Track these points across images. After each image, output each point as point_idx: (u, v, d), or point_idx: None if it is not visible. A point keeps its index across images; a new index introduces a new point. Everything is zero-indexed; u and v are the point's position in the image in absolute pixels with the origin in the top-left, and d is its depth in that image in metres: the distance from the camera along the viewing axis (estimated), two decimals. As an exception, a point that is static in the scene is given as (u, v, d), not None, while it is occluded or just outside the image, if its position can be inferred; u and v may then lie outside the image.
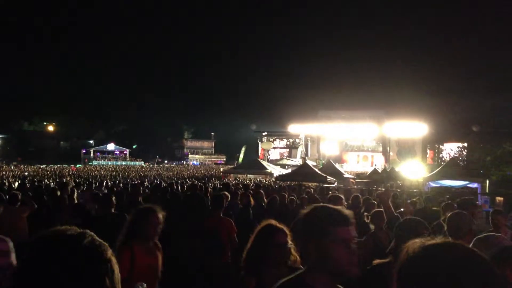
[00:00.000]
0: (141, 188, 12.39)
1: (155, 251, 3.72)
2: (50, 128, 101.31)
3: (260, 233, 2.97)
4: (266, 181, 29.21)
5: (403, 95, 74.24)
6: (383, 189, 21.15)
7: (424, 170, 28.11)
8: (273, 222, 2.97)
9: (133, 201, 7.69)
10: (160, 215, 3.66)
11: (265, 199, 9.18)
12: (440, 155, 49.36)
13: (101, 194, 8.81)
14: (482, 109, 54.07)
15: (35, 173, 34.00)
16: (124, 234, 3.62)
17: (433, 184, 20.01)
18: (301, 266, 2.67)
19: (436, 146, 50.19)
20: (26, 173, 33.32)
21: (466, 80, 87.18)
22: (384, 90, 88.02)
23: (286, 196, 9.81)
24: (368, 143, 52.81)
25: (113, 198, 5.71)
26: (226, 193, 8.25)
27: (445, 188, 19.06)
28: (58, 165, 53.91)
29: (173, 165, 74.28)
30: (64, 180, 20.23)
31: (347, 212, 1.95)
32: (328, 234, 1.85)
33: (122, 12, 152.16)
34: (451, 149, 48.54)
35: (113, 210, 5.61)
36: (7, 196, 7.37)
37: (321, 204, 2.14)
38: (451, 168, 21.32)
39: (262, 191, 10.29)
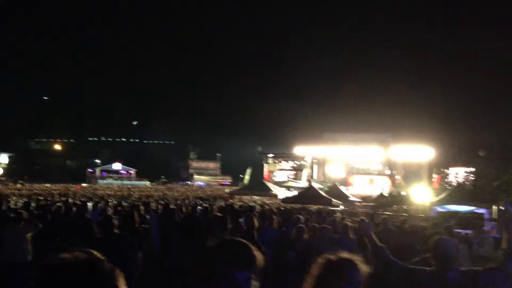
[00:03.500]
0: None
1: None
2: (57, 147, 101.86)
3: None
4: (271, 203, 29.09)
5: (409, 119, 74.22)
6: (389, 213, 20.95)
7: (431, 195, 27.87)
8: None
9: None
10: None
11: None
12: (446, 180, 48.97)
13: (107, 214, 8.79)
14: (488, 133, 53.86)
15: (40, 192, 34.02)
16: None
17: (439, 209, 19.82)
18: None
19: (442, 170, 49.85)
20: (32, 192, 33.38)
21: (473, 104, 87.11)
22: (390, 113, 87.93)
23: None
24: (374, 166, 52.50)
25: (113, 218, 5.64)
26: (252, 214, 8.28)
27: (451, 213, 18.87)
28: (63, 184, 53.98)
29: (178, 185, 74.22)
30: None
31: None
32: None
33: (126, 29, 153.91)
34: (457, 173, 48.18)
35: (115, 231, 5.55)
36: (12, 215, 7.38)
37: None
38: (458, 193, 21.14)
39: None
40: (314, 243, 7.22)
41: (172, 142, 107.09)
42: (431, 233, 10.75)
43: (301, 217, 10.41)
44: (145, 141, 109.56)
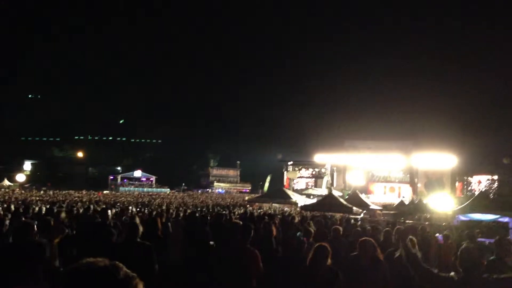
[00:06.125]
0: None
1: None
2: (80, 154, 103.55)
3: None
4: (291, 210, 29.01)
5: (431, 126, 73.36)
6: (410, 221, 20.69)
7: (453, 203, 27.45)
8: None
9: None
10: None
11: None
12: (469, 188, 48.16)
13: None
14: (512, 141, 52.88)
15: (63, 198, 34.61)
16: None
17: (462, 218, 19.52)
18: None
19: (465, 178, 49.04)
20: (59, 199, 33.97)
21: (497, 111, 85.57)
22: (412, 120, 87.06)
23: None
24: (395, 174, 51.96)
25: (140, 226, 5.70)
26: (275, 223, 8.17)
27: (475, 221, 18.56)
28: (86, 191, 54.79)
29: (198, 193, 74.70)
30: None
31: None
32: None
33: (145, 42, 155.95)
34: (480, 181, 47.33)
35: (138, 239, 5.60)
36: (38, 222, 7.52)
37: None
38: (481, 201, 20.78)
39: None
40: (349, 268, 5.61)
41: (193, 150, 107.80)
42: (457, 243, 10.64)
43: (340, 228, 9.02)
44: (165, 149, 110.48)
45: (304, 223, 11.66)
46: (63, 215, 9.38)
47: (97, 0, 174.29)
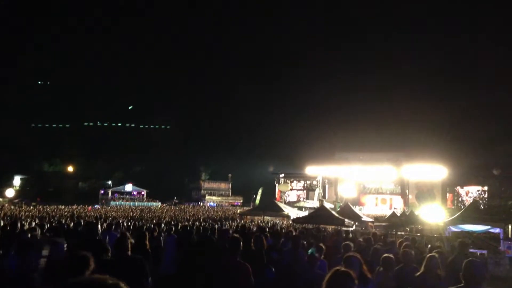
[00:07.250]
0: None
1: None
2: (70, 169, 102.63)
3: None
4: (283, 223, 28.94)
5: (422, 138, 73.72)
6: (402, 233, 20.72)
7: (444, 214, 27.57)
8: None
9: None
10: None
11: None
12: (460, 199, 48.44)
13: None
14: (502, 153, 53.30)
15: (53, 214, 34.25)
16: None
17: (453, 229, 19.57)
18: None
19: (456, 189, 49.35)
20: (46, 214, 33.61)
21: (487, 124, 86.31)
22: (402, 132, 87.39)
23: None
24: (387, 185, 52.18)
25: (129, 240, 5.63)
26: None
27: (466, 232, 18.60)
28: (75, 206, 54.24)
29: (189, 206, 74.30)
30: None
31: None
32: None
33: (135, 54, 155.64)
34: (468, 192, 47.64)
35: (129, 254, 5.52)
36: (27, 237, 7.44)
37: None
38: (472, 212, 20.87)
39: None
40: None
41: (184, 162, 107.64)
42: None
43: (351, 244, 8.49)
44: (157, 162, 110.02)
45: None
46: (38, 231, 9.29)
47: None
